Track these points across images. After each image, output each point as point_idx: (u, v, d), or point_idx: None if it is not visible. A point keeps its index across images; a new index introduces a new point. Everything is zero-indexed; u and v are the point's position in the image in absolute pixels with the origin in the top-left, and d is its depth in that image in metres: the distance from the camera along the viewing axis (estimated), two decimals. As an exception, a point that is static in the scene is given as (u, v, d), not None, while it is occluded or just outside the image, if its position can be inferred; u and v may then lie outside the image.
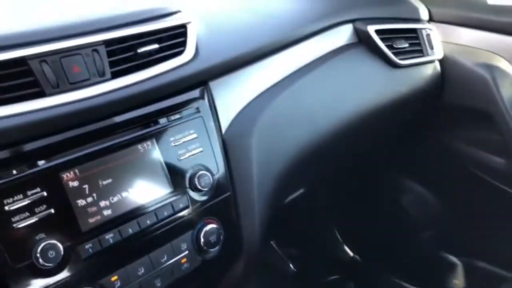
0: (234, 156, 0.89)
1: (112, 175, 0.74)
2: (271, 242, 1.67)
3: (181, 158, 0.81)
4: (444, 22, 1.27)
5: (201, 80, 0.87)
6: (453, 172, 1.44)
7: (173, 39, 0.81)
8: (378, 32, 1.15)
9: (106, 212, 0.72)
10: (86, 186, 0.71)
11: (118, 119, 0.76)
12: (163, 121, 0.80)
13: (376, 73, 1.16)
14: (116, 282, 0.73)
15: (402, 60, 1.17)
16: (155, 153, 0.78)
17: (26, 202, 0.66)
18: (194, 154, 0.83)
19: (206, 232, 0.81)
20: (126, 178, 0.75)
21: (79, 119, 0.71)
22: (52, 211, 0.67)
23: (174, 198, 0.79)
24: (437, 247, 1.57)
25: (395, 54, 1.17)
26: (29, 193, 0.66)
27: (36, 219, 0.66)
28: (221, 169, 0.86)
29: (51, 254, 0.65)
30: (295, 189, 1.29)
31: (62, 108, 0.68)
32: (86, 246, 0.70)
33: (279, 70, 1.01)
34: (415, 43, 1.23)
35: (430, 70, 1.25)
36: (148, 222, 0.76)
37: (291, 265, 1.67)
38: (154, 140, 0.79)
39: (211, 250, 0.83)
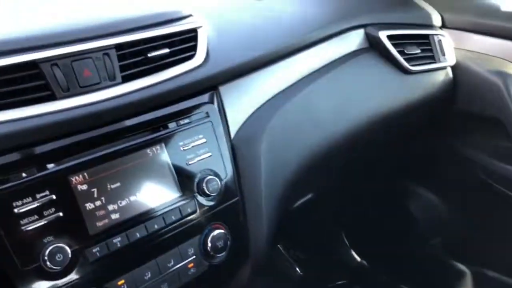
0: (243, 161, 0.88)
1: (120, 179, 0.74)
2: (278, 246, 1.66)
3: (190, 162, 0.81)
4: (457, 29, 1.26)
5: (211, 85, 0.87)
6: (463, 179, 1.42)
7: (184, 43, 0.81)
8: (389, 37, 1.14)
9: (114, 216, 0.73)
10: (94, 189, 0.71)
11: (127, 123, 0.76)
12: (172, 125, 0.80)
13: (387, 79, 1.16)
14: (122, 286, 0.73)
15: (413, 66, 1.17)
16: (164, 157, 0.79)
17: (35, 205, 0.66)
18: (202, 158, 0.82)
19: (213, 237, 0.81)
20: (134, 182, 0.75)
21: (89, 123, 0.72)
22: (61, 214, 0.68)
23: (182, 202, 0.79)
24: (445, 254, 1.55)
25: (406, 60, 1.16)
26: (38, 196, 0.66)
27: (45, 222, 0.67)
28: (230, 174, 0.86)
29: (58, 257, 0.66)
30: (304, 195, 1.28)
31: (72, 111, 0.69)
32: (94, 250, 0.70)
33: (290, 75, 1.01)
34: (427, 49, 1.22)
35: (442, 76, 1.24)
36: (156, 226, 0.76)
37: (297, 268, 1.67)
38: (163, 144, 0.79)
39: (218, 255, 0.82)
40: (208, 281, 0.84)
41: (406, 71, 1.16)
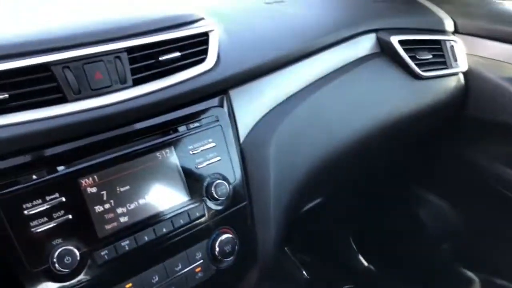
0: (252, 165, 0.88)
1: (130, 182, 0.74)
2: (285, 248, 1.66)
3: (199, 166, 0.81)
4: (470, 34, 1.25)
5: (221, 89, 0.86)
6: (473, 186, 1.41)
7: (195, 47, 0.81)
8: (401, 42, 1.14)
9: (123, 219, 0.73)
10: (104, 192, 0.71)
11: (138, 126, 0.76)
12: (182, 129, 0.80)
13: (398, 84, 1.15)
14: None
15: (425, 72, 1.16)
16: (173, 160, 0.79)
17: (44, 207, 0.66)
18: (212, 162, 0.82)
19: (221, 242, 0.81)
20: (143, 185, 0.75)
21: (100, 126, 0.72)
22: (70, 216, 0.68)
23: (191, 206, 0.79)
24: (454, 261, 1.54)
25: (418, 65, 1.15)
26: (48, 198, 0.67)
27: (54, 224, 0.67)
28: (238, 178, 0.85)
29: (67, 260, 0.66)
30: (312, 199, 1.28)
31: (83, 114, 0.69)
32: (102, 253, 0.70)
33: (300, 80, 1.00)
34: (439, 55, 1.21)
35: (454, 82, 1.23)
36: (164, 230, 0.76)
37: (304, 272, 1.66)
38: (172, 148, 0.79)
39: (226, 259, 0.82)
40: (215, 285, 0.83)
41: (418, 77, 1.15)
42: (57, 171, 0.68)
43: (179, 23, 0.80)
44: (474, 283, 1.49)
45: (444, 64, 1.21)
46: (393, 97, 1.14)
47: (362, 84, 1.09)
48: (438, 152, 1.43)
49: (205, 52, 0.82)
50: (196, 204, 0.80)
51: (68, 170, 0.69)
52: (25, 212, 0.65)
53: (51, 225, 0.66)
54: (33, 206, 0.65)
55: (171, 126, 0.79)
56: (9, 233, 0.64)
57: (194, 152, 0.81)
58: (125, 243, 0.72)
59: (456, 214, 1.52)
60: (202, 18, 0.84)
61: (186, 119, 0.81)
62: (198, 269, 0.80)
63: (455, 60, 1.22)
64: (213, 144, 0.83)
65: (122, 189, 0.73)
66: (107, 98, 0.71)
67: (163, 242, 0.76)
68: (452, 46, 1.22)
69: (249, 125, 0.90)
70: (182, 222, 0.78)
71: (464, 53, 1.24)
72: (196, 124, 0.82)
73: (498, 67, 1.20)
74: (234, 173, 0.85)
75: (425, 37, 1.20)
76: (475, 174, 1.38)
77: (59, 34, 0.69)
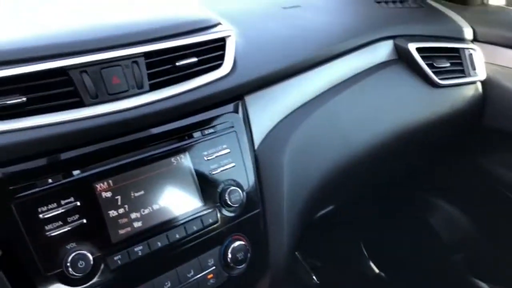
0: (266, 172, 0.88)
1: (144, 187, 0.74)
2: (296, 253, 1.65)
3: (213, 172, 0.81)
4: (489, 43, 1.23)
5: (237, 94, 0.86)
6: (488, 196, 1.39)
7: (212, 52, 0.81)
8: (419, 50, 1.13)
9: (137, 224, 0.73)
10: (118, 197, 0.71)
11: (153, 131, 0.76)
12: (197, 134, 0.80)
13: (415, 92, 1.13)
14: None
15: (442, 80, 1.14)
16: (188, 166, 0.78)
17: (59, 211, 0.66)
18: (226, 169, 0.82)
19: (233, 249, 0.81)
20: (157, 191, 0.75)
21: (116, 130, 0.72)
22: (84, 221, 0.68)
23: (204, 212, 0.79)
24: (466, 271, 1.52)
25: (435, 73, 1.14)
26: (63, 202, 0.67)
27: (69, 228, 0.67)
28: (252, 185, 0.85)
29: (81, 264, 0.66)
30: (325, 206, 1.27)
31: (100, 118, 0.69)
32: (115, 258, 0.70)
33: (316, 86, 0.99)
34: (457, 63, 1.19)
35: (471, 91, 1.21)
36: (177, 236, 0.76)
37: (314, 277, 1.65)
38: (187, 154, 0.78)
39: (238, 267, 0.82)
40: (226, 292, 0.83)
41: (435, 85, 1.14)
42: (72, 175, 0.68)
43: (196, 28, 0.80)
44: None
45: (462, 73, 1.19)
46: (410, 105, 1.13)
47: (379, 91, 1.08)
48: (454, 160, 1.41)
49: (221, 57, 0.82)
50: (210, 211, 0.79)
51: (83, 175, 0.69)
52: (40, 215, 0.65)
53: (66, 229, 0.67)
54: (48, 210, 0.66)
55: (186, 132, 0.79)
56: (24, 236, 0.64)
57: (208, 158, 0.80)
58: (138, 249, 0.72)
59: (470, 223, 1.50)
60: (219, 23, 0.84)
61: (201, 125, 0.81)
62: (210, 276, 0.80)
63: (474, 68, 1.20)
64: (227, 151, 0.83)
65: (136, 194, 0.73)
66: (124, 102, 0.71)
67: (176, 248, 0.76)
68: (470, 55, 1.21)
69: (263, 131, 0.90)
70: (195, 228, 0.78)
71: (483, 61, 1.22)
72: (211, 130, 0.82)
73: (517, 76, 1.18)
74: (248, 180, 0.84)
75: (443, 44, 1.18)
76: (492, 185, 1.36)
77: (76, 38, 0.69)
